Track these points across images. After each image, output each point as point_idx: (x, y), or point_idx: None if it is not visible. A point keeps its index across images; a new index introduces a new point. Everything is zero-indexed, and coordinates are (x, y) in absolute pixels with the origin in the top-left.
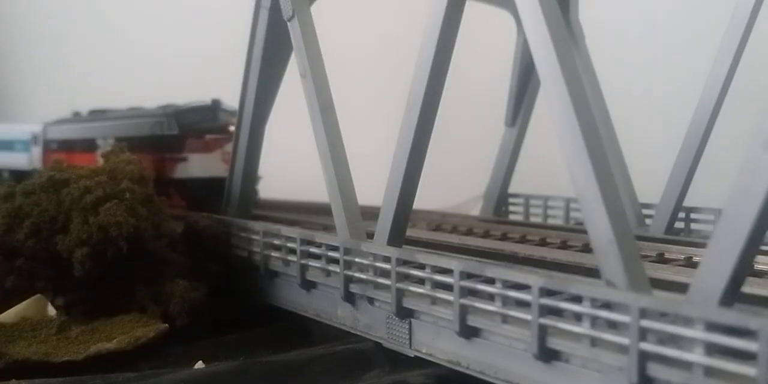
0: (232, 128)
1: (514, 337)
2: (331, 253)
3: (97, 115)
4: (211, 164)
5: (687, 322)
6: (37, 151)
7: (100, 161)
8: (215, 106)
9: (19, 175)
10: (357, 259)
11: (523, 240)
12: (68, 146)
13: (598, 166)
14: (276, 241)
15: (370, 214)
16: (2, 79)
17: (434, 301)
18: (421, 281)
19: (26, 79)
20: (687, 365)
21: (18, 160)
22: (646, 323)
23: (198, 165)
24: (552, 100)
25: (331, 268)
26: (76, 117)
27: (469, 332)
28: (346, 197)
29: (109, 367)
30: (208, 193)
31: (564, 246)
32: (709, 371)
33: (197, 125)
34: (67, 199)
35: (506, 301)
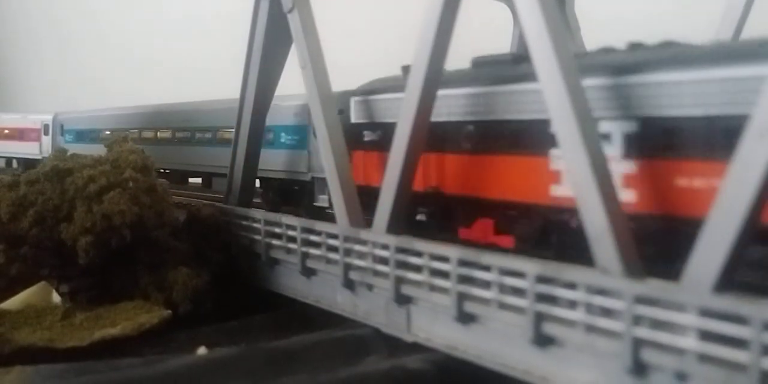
0: None
1: (510, 323)
2: (330, 241)
3: None
4: None
5: (680, 308)
6: None
7: None
8: None
9: None
10: (356, 247)
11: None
12: None
13: (592, 156)
14: (277, 229)
15: None
16: (10, 73)
17: (432, 287)
18: (419, 268)
19: (32, 75)
20: (680, 351)
21: None
22: (640, 309)
23: None
24: (548, 91)
25: (331, 255)
26: None
27: (466, 318)
28: (345, 186)
29: (113, 352)
30: None
31: None
32: (702, 357)
33: None
34: (71, 187)
35: (502, 287)
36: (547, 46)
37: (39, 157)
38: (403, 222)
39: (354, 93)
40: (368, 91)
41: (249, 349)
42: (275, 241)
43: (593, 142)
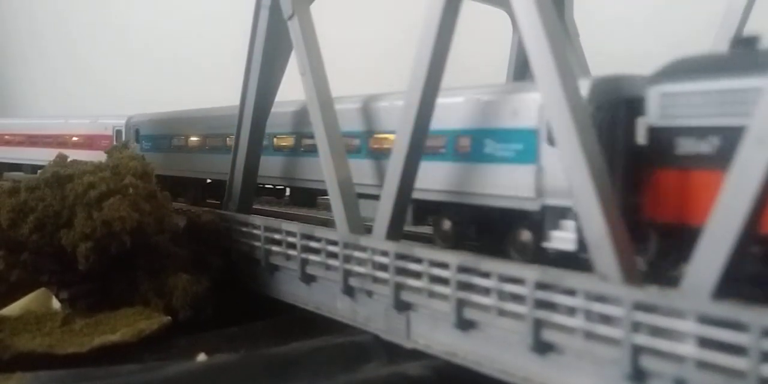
0: None
1: (509, 329)
2: (330, 248)
3: None
4: None
5: (679, 315)
6: None
7: None
8: None
9: None
10: (356, 253)
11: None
12: None
13: (591, 162)
14: (277, 236)
15: None
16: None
17: (431, 294)
18: (418, 275)
19: (36, 77)
20: (679, 358)
21: None
22: (639, 316)
23: None
24: (547, 97)
25: (331, 261)
26: None
27: (465, 325)
28: (346, 192)
29: (113, 359)
30: None
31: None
32: (701, 364)
33: None
34: (71, 194)
35: (502, 294)
36: (545, 52)
37: None
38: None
39: (655, 79)
40: (681, 76)
41: (249, 355)
42: (275, 248)
43: (591, 149)
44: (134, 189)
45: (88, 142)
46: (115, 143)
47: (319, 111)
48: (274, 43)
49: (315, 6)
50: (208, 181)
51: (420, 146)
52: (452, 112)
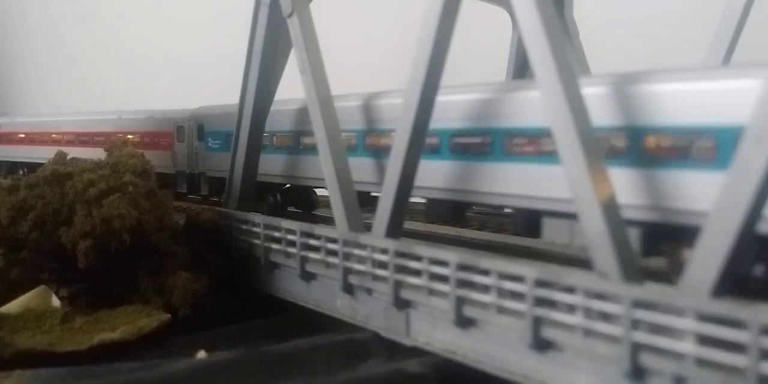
0: None
1: (509, 327)
2: (330, 245)
3: None
4: None
5: (679, 312)
6: None
7: None
8: None
9: None
10: (356, 251)
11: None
12: None
13: (591, 160)
14: (276, 234)
15: None
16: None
17: (431, 292)
18: (418, 272)
19: (30, 77)
20: (679, 355)
21: None
22: (638, 314)
23: None
24: (546, 96)
25: (331, 259)
26: None
27: (465, 322)
28: (345, 190)
29: (113, 356)
30: None
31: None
32: (701, 361)
33: None
34: (70, 191)
35: (501, 292)
36: (545, 50)
37: (172, 172)
38: None
39: None
40: None
41: (248, 352)
42: (275, 245)
43: (591, 146)
44: (134, 187)
45: (146, 141)
46: (176, 140)
47: (318, 109)
48: (274, 41)
49: (315, 5)
50: (287, 185)
51: (420, 144)
52: None
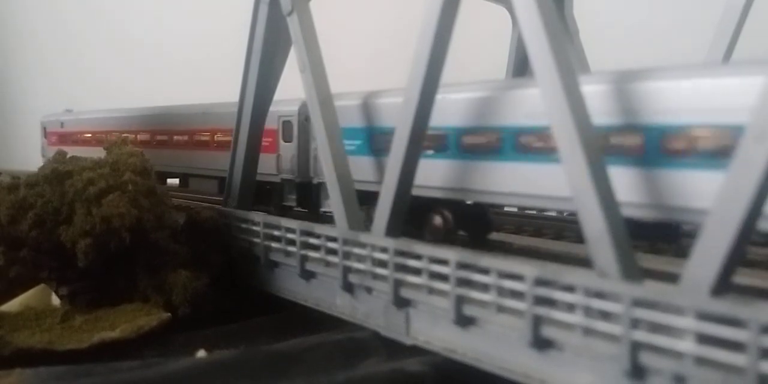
0: None
1: (509, 325)
2: (330, 244)
3: None
4: None
5: (678, 311)
6: None
7: None
8: None
9: None
10: (355, 250)
11: (518, 231)
12: None
13: (590, 158)
14: (276, 232)
15: None
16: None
17: (431, 290)
18: (418, 271)
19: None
20: (678, 354)
21: None
22: (638, 312)
23: None
24: (546, 94)
25: (330, 258)
26: None
27: (465, 321)
28: (345, 189)
29: (113, 355)
30: None
31: (558, 237)
32: (700, 360)
33: None
34: (70, 190)
35: (501, 290)
36: (545, 48)
37: (277, 180)
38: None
39: None
40: None
41: (248, 351)
42: (274, 244)
43: (591, 145)
44: (134, 185)
45: None
46: (281, 140)
47: (318, 108)
48: (274, 39)
49: (314, 3)
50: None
51: (420, 142)
52: None
